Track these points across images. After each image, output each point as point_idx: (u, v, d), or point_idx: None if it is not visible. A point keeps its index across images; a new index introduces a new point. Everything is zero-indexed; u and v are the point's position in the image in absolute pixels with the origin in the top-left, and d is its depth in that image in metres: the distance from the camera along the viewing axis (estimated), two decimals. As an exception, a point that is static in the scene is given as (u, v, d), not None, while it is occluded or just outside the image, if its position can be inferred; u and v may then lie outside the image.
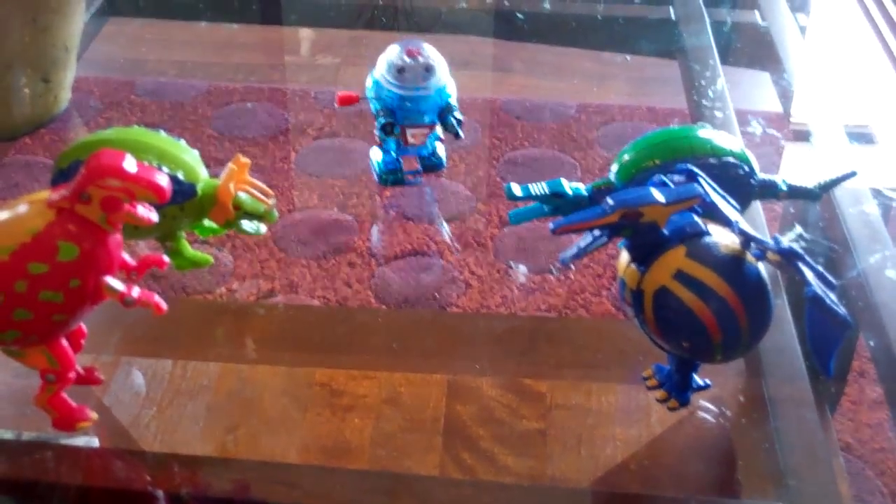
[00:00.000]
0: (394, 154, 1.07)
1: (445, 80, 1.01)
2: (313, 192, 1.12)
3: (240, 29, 1.52)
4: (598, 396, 0.85)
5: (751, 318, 0.71)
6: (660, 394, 0.80)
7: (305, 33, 1.53)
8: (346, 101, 1.03)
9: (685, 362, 0.78)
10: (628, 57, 1.39)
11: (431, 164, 1.09)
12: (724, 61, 1.33)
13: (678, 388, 0.79)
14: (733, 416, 0.83)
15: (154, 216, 0.72)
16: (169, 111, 1.26)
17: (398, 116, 1.00)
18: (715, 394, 0.83)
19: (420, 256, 1.04)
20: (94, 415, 0.79)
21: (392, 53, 1.00)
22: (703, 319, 0.71)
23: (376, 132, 1.03)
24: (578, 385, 0.86)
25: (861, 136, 1.18)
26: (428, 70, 0.99)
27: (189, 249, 0.92)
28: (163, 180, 0.70)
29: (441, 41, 1.47)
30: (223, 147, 1.19)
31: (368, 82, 1.03)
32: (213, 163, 1.15)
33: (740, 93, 1.30)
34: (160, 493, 0.76)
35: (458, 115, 1.02)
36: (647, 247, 0.73)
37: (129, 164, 0.69)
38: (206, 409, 0.83)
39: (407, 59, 0.98)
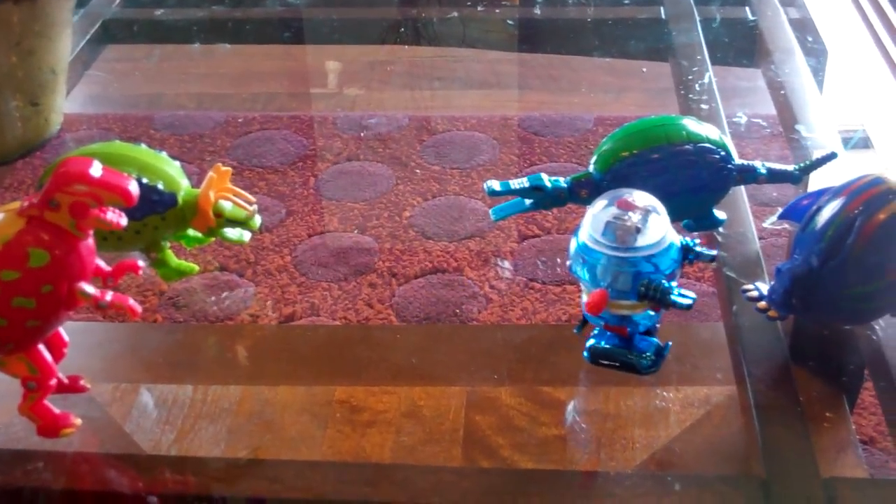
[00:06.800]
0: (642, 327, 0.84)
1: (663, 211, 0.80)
2: (333, 216, 1.13)
3: (240, 56, 1.53)
4: (616, 400, 0.84)
5: None
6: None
7: (323, 59, 1.54)
8: (602, 303, 0.79)
9: None
10: (644, 68, 1.39)
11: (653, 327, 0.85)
12: (718, 60, 1.33)
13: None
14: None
15: (124, 220, 0.73)
16: (188, 143, 1.27)
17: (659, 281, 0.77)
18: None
19: (440, 274, 1.04)
20: (78, 421, 0.80)
21: (610, 218, 0.78)
22: None
23: (628, 321, 0.82)
24: (597, 390, 0.86)
25: (858, 140, 1.17)
26: (648, 213, 0.78)
27: (174, 259, 0.93)
28: (130, 184, 0.71)
29: (458, 58, 1.49)
30: (242, 176, 1.19)
31: (571, 249, 0.81)
32: (233, 192, 1.16)
33: (733, 93, 1.31)
34: (139, 494, 0.76)
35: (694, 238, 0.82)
36: None
37: (95, 170, 0.71)
38: (228, 432, 0.83)
39: (631, 216, 0.77)
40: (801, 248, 0.79)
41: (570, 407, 0.85)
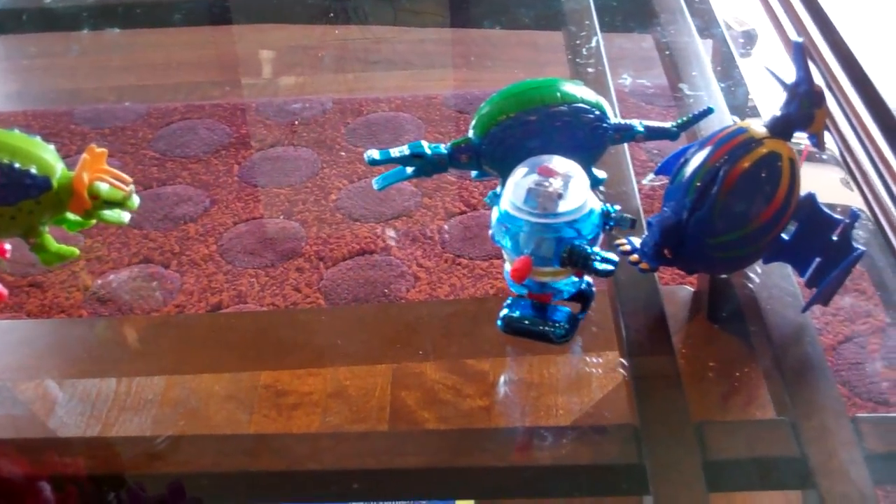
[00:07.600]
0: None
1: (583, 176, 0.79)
2: (258, 203, 1.12)
3: (160, 46, 1.50)
4: (539, 369, 0.84)
5: None
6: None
7: (243, 46, 1.52)
8: (526, 270, 0.77)
9: None
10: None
11: (586, 293, 0.85)
12: (611, 27, 1.33)
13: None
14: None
15: None
16: (109, 136, 1.26)
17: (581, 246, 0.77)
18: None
19: (368, 255, 1.03)
20: None
21: (531, 185, 0.77)
22: None
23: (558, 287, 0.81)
24: (520, 360, 0.86)
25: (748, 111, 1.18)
26: (568, 179, 0.77)
27: (54, 244, 0.91)
28: None
29: (380, 39, 1.48)
30: (165, 167, 1.18)
31: (493, 218, 0.80)
32: (156, 183, 1.15)
33: (624, 57, 1.33)
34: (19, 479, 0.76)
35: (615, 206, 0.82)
36: None
37: None
38: (153, 422, 0.82)
39: (552, 182, 0.77)
40: (670, 201, 0.80)
41: (501, 380, 0.86)
